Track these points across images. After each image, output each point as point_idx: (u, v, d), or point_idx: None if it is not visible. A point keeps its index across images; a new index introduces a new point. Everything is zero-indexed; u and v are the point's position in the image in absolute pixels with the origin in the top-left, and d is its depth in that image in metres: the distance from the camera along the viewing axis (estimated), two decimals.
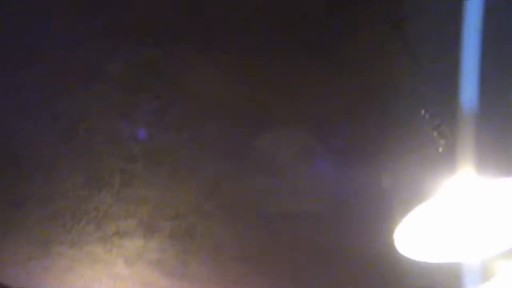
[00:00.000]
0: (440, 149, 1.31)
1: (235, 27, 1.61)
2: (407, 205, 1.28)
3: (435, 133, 1.35)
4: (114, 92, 1.84)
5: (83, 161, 2.08)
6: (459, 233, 1.44)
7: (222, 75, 1.79)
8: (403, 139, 2.00)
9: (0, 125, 1.96)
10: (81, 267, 2.68)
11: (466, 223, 1.41)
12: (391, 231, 1.35)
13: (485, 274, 1.76)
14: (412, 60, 1.58)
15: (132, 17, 1.61)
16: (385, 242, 1.56)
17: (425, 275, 2.28)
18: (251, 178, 2.25)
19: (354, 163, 1.98)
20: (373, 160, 2.06)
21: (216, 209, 2.40)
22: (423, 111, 1.35)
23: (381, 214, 1.93)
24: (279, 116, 1.92)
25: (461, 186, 1.25)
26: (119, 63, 1.73)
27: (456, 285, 1.92)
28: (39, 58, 1.72)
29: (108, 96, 1.84)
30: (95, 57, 1.72)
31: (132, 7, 1.59)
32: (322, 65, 1.73)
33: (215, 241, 2.60)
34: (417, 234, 1.41)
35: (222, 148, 2.07)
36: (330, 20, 1.58)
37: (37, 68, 1.75)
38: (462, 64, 1.53)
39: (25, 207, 2.29)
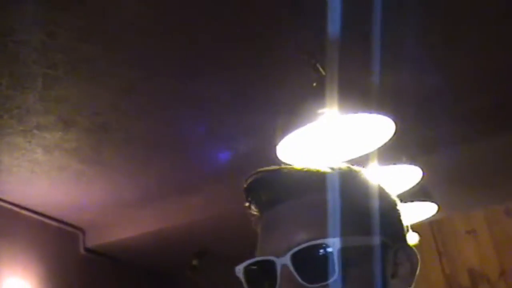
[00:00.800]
0: (314, 84, 1.68)
1: None
2: (287, 129, 1.68)
3: (311, 70, 1.71)
4: (42, 10, 2.05)
5: (9, 67, 2.30)
6: (326, 149, 1.89)
7: None
8: (282, 78, 2.40)
9: None
10: (1, 154, 2.95)
11: (332, 142, 1.85)
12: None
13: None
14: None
15: None
16: None
17: None
18: (163, 82, 2.58)
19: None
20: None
21: (131, 107, 2.73)
22: (304, 56, 1.70)
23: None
24: None
25: (328, 116, 1.66)
26: None
27: None
28: None
29: (36, 12, 2.05)
30: None
31: None
32: None
33: (127, 134, 2.95)
34: (295, 150, 1.84)
35: (136, 54, 2.35)
36: None
37: None
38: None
39: None
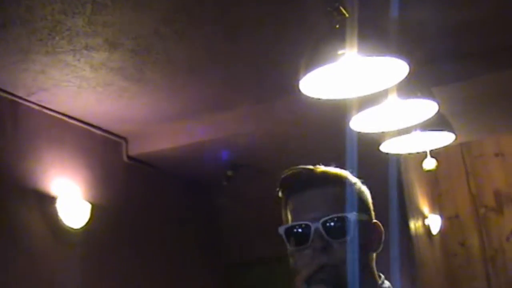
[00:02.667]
0: (337, 26, 1.83)
1: None
2: (311, 66, 1.87)
3: (334, 13, 1.85)
4: None
5: None
6: (346, 86, 2.07)
7: None
8: (306, 20, 2.54)
9: None
10: (52, 70, 3.20)
11: (351, 81, 2.03)
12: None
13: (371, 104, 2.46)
14: None
15: None
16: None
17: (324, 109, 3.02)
18: (202, 10, 2.77)
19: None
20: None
21: (171, 33, 2.93)
22: None
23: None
24: None
25: (349, 57, 1.83)
26: None
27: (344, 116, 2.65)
28: None
29: None
30: None
31: None
32: None
33: (168, 56, 3.16)
34: (318, 84, 2.02)
35: None
36: None
37: None
38: None
39: (8, 27, 2.73)
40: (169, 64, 3.25)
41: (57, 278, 3.57)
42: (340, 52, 1.81)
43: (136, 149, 4.38)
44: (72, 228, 3.68)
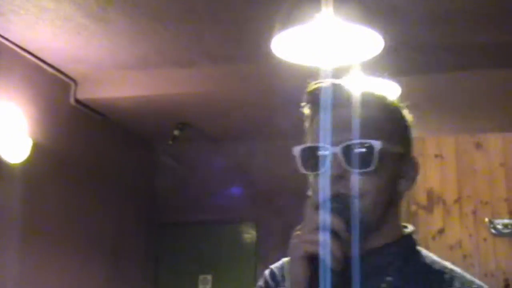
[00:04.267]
0: None
1: None
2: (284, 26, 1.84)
3: None
4: None
5: None
6: (317, 51, 2.06)
7: None
8: None
9: None
10: None
11: (323, 46, 2.02)
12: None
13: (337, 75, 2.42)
14: None
15: None
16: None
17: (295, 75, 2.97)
18: None
19: None
20: None
21: None
22: None
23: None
24: None
25: (323, 20, 1.81)
26: None
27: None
28: None
29: None
30: None
31: None
32: None
33: None
34: (292, 45, 2.00)
35: None
36: None
37: None
38: None
39: None
40: (135, 8, 3.16)
41: None
42: (315, 14, 1.78)
43: (85, 93, 4.26)
44: (9, 163, 3.56)
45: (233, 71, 3.86)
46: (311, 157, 1.08)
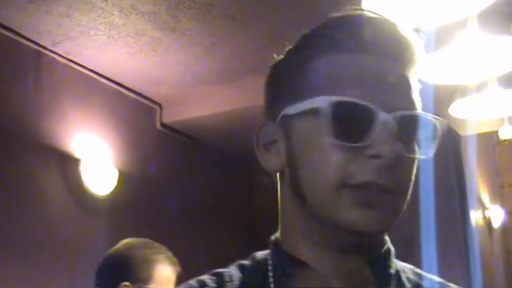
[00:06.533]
0: None
1: None
2: None
3: None
4: None
5: None
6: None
7: None
8: None
9: None
10: (78, 14, 2.86)
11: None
12: None
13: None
14: None
15: None
16: None
17: None
18: None
19: None
20: None
21: None
22: None
23: None
24: None
25: None
26: None
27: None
28: None
29: None
30: None
31: None
32: None
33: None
34: None
35: None
36: None
37: None
38: None
39: None
40: (207, 11, 2.86)
41: (78, 248, 3.24)
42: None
43: (170, 116, 4.03)
44: (96, 195, 3.35)
45: None
46: (348, 119, 0.72)
